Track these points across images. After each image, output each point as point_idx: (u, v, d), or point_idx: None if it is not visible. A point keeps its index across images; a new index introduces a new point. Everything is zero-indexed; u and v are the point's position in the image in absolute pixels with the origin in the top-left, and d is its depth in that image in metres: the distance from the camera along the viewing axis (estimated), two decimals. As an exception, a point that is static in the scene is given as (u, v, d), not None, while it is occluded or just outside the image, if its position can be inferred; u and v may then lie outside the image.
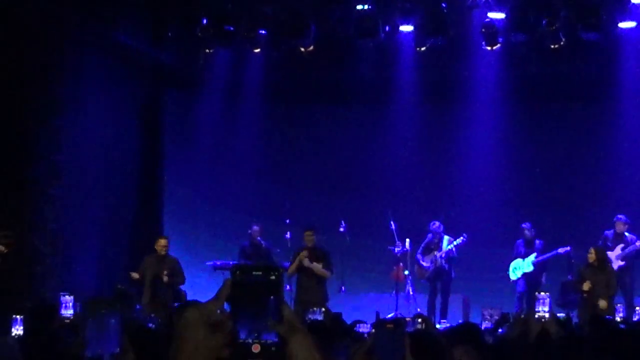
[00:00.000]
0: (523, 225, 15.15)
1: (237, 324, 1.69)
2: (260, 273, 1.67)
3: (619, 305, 12.24)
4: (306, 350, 1.66)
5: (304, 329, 1.69)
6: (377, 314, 11.05)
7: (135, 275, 13.78)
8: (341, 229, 15.46)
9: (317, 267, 13.53)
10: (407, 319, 7.98)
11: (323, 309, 10.08)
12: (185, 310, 1.68)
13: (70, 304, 8.71)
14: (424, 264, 15.37)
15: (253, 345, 1.63)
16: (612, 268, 13.73)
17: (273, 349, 1.65)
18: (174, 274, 13.78)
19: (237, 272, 1.69)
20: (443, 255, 15.23)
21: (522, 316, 6.77)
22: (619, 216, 14.48)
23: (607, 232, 14.58)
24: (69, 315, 8.59)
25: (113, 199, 15.82)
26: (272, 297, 1.66)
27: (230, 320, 1.66)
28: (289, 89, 17.10)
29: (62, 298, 8.74)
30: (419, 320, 7.54)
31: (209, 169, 17.73)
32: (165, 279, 13.60)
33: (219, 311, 1.70)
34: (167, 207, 17.48)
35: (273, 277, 1.67)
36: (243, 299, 1.67)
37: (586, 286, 13.06)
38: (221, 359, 1.64)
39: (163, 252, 13.90)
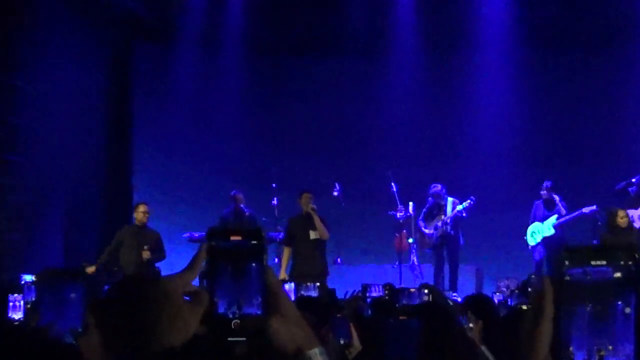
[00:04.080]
0: (545, 184, 14.52)
1: (215, 296, 1.64)
2: (239, 237, 1.63)
3: None
4: (288, 326, 1.62)
5: (289, 302, 1.64)
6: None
7: (90, 268, 12.41)
8: (335, 193, 14.72)
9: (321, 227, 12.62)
10: (412, 290, 8.01)
11: (318, 284, 9.80)
12: (157, 282, 1.64)
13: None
14: (427, 231, 14.77)
15: (233, 322, 1.58)
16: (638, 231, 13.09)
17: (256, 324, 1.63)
18: (156, 248, 12.77)
19: (213, 237, 1.65)
20: (449, 221, 14.52)
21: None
22: None
23: (630, 188, 14.08)
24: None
25: (79, 166, 15.28)
26: (253, 264, 1.61)
27: (207, 293, 1.61)
28: (273, 38, 16.67)
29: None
30: (425, 291, 7.71)
31: (185, 130, 17.21)
32: (146, 254, 12.51)
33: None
34: (137, 173, 16.97)
35: (255, 242, 1.63)
36: (221, 267, 1.63)
37: None
38: (198, 335, 1.60)
39: (144, 221, 12.81)
